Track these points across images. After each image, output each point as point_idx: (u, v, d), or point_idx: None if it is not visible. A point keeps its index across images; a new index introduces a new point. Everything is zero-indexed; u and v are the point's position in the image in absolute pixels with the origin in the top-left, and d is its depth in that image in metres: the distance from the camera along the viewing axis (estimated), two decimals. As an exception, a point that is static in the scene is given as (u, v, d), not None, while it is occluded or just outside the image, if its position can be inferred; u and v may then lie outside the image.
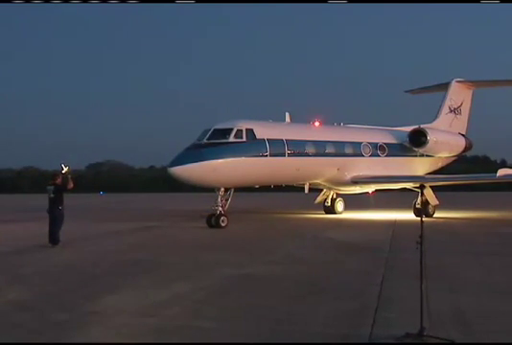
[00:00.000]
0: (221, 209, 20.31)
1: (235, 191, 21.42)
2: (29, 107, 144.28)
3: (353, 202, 29.62)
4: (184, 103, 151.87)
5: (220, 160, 19.85)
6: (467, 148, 31.46)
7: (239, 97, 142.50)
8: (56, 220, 15.13)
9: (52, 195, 15.15)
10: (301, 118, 26.91)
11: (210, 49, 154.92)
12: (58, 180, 15.40)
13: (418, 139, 27.61)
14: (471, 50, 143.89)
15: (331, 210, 27.47)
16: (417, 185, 24.52)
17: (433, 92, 35.48)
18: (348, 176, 25.09)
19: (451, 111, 32.07)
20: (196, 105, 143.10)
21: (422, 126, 28.72)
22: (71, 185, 15.28)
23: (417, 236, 6.30)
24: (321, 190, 27.77)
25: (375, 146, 26.64)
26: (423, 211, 21.37)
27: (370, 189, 27.43)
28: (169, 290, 8.73)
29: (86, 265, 11.74)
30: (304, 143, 23.30)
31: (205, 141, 20.36)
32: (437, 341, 5.77)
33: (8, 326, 6.76)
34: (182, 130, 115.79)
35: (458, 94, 32.39)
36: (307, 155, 23.25)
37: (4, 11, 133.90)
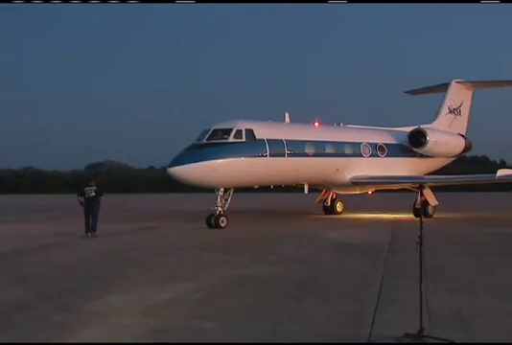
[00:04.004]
0: (220, 209, 20.31)
1: (234, 191, 21.41)
2: (28, 108, 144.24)
3: (352, 202, 29.63)
4: (184, 103, 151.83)
5: (219, 160, 19.84)
6: (466, 148, 31.45)
7: (239, 97, 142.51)
8: (94, 214, 18.30)
9: (93, 194, 18.33)
10: (301, 118, 26.94)
11: (209, 49, 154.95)
12: (95, 182, 18.83)
13: (418, 139, 27.63)
14: (471, 50, 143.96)
15: (330, 210, 27.49)
16: (417, 185, 24.55)
17: (433, 93, 35.48)
18: (347, 177, 25.09)
19: (450, 112, 32.07)
20: (196, 106, 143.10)
21: (421, 126, 28.75)
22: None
23: (416, 236, 6.31)
24: (321, 190, 27.82)
25: (374, 146, 26.64)
26: (422, 211, 21.39)
27: (370, 189, 27.43)
28: (168, 291, 8.73)
29: (86, 265, 11.76)
30: (303, 143, 23.28)
31: (205, 141, 20.35)
32: (437, 341, 5.77)
33: (7, 326, 6.77)
34: (182, 131, 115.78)
35: (458, 94, 32.40)
36: (306, 155, 23.24)
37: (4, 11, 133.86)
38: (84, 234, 18.06)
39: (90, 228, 18.18)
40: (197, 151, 19.91)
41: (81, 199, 18.52)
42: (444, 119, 31.64)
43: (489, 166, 57.40)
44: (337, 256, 12.77)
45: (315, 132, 24.92)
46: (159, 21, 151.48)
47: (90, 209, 18.40)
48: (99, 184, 19.24)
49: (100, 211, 18.65)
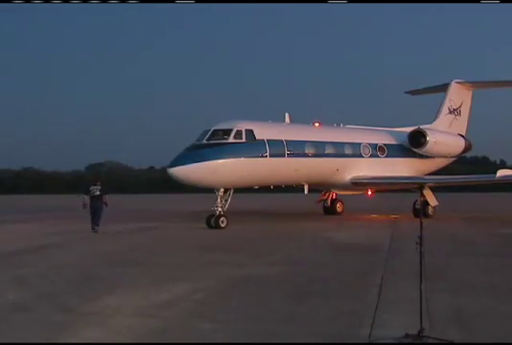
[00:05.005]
0: (220, 210, 20.31)
1: (234, 191, 21.40)
2: (28, 108, 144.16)
3: (352, 203, 29.65)
4: (184, 103, 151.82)
5: (219, 161, 19.84)
6: (466, 148, 31.47)
7: (239, 97, 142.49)
8: (98, 212, 19.67)
9: (98, 193, 19.70)
10: (301, 118, 26.95)
11: (209, 49, 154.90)
12: (101, 182, 20.30)
13: (418, 140, 27.64)
14: (471, 50, 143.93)
15: (330, 210, 27.54)
16: (416, 186, 24.56)
17: (433, 93, 35.49)
18: (348, 177, 25.09)
19: (450, 112, 32.08)
20: (196, 106, 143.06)
21: (421, 126, 28.75)
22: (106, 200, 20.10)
23: (416, 236, 6.31)
24: (321, 190, 27.84)
25: (374, 146, 26.64)
26: (422, 211, 21.33)
27: (370, 189, 27.43)
28: (169, 291, 8.73)
29: (86, 266, 11.76)
30: (303, 143, 23.29)
31: (205, 141, 20.36)
32: (436, 342, 5.77)
33: (7, 326, 6.77)
34: (182, 131, 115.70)
35: (458, 95, 32.41)
36: (306, 156, 23.25)
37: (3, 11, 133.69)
38: (91, 230, 19.30)
39: (92, 224, 19.44)
40: (197, 152, 19.91)
41: (87, 198, 19.78)
42: (444, 119, 31.64)
43: (489, 166, 57.33)
44: (338, 256, 12.78)
45: (315, 133, 24.93)
46: (159, 21, 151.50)
47: (95, 207, 19.70)
48: (104, 184, 20.63)
49: (104, 210, 20.04)
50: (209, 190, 21.54)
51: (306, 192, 25.25)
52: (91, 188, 19.91)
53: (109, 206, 20.57)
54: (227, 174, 20.10)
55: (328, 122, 27.17)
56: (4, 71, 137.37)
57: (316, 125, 25.64)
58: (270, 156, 21.38)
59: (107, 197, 20.08)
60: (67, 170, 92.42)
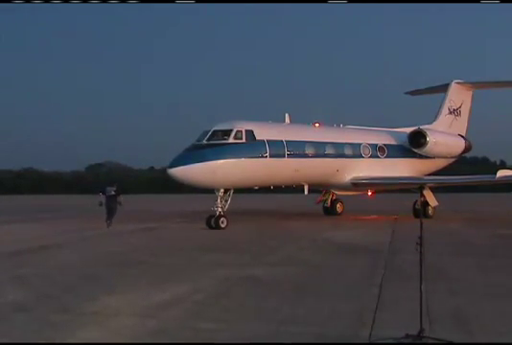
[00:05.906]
0: (220, 210, 20.31)
1: (234, 192, 21.41)
2: (28, 108, 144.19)
3: (352, 203, 29.65)
4: (184, 103, 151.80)
5: (219, 161, 19.84)
6: (466, 149, 31.48)
7: (239, 97, 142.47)
8: (112, 210, 21.39)
9: (113, 193, 21.52)
10: (301, 119, 26.95)
11: (209, 49, 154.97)
12: (117, 185, 22.01)
13: (418, 140, 27.66)
14: (471, 50, 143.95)
15: (330, 211, 27.54)
16: (417, 186, 24.58)
17: (433, 93, 35.50)
18: (348, 178, 25.10)
19: (450, 112, 32.09)
20: (196, 106, 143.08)
21: (421, 127, 28.77)
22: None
23: (417, 237, 6.31)
24: (321, 191, 27.84)
25: (374, 147, 26.65)
26: (422, 212, 21.34)
27: (370, 190, 27.43)
28: (169, 291, 8.74)
29: (86, 266, 11.76)
30: (304, 144, 23.30)
31: (205, 142, 20.36)
32: (436, 342, 5.77)
33: (7, 326, 6.77)
34: (182, 131, 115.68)
35: (458, 95, 32.42)
36: (306, 156, 23.25)
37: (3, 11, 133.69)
38: (106, 227, 20.66)
39: (108, 220, 21.15)
40: (197, 152, 19.91)
41: (102, 197, 21.60)
42: (444, 120, 31.66)
43: (489, 166, 57.31)
44: (338, 256, 12.79)
45: (315, 133, 24.93)
46: (159, 21, 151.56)
47: (110, 205, 21.47)
48: (119, 187, 22.33)
49: (117, 209, 21.69)
50: (209, 190, 21.56)
51: (306, 192, 25.23)
52: (108, 188, 21.63)
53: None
54: (227, 175, 20.10)
55: (328, 122, 27.21)
56: (4, 71, 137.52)
57: (316, 125, 25.64)
58: (270, 157, 21.38)
59: (122, 198, 21.71)
60: (67, 170, 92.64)
